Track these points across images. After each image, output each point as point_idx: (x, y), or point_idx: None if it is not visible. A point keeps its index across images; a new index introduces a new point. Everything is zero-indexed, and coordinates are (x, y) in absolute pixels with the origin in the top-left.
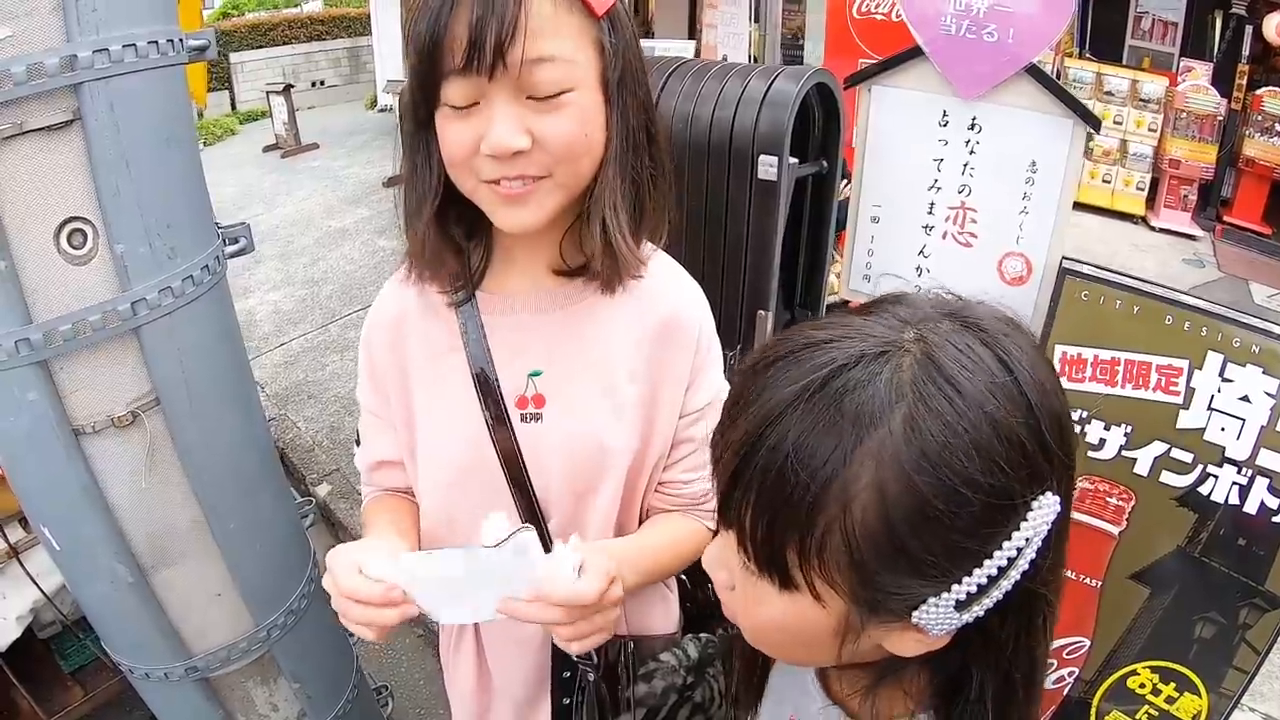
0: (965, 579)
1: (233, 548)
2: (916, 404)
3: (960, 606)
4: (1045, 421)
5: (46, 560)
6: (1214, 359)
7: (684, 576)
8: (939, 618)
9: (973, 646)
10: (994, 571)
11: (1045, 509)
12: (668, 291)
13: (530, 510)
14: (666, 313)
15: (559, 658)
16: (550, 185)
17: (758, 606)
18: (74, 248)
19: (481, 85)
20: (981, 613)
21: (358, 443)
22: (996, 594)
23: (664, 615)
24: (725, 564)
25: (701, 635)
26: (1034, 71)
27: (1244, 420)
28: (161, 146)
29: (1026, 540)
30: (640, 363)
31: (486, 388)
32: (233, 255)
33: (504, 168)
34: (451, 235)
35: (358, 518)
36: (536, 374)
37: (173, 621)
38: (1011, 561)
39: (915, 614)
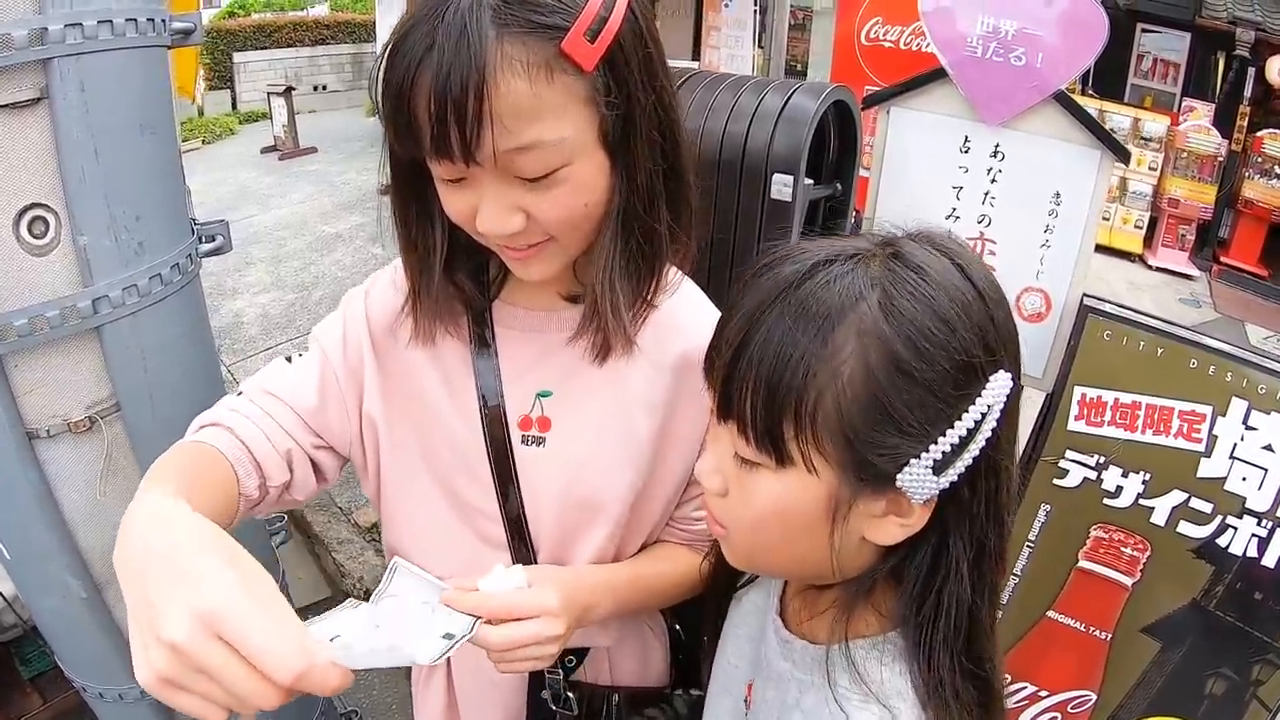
0: (940, 439)
1: None
2: (890, 285)
3: (937, 469)
4: (991, 305)
5: None
6: (1238, 405)
7: (678, 627)
8: (919, 480)
9: (949, 521)
10: (964, 433)
11: (1000, 382)
12: (691, 323)
13: (520, 538)
14: (689, 345)
15: (535, 706)
16: (555, 247)
17: (754, 496)
18: (34, 237)
19: (462, 166)
20: (955, 477)
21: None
22: (967, 458)
23: (653, 666)
24: (719, 469)
25: (693, 691)
26: (1062, 99)
27: (1266, 470)
28: (134, 133)
29: (989, 407)
30: (658, 394)
31: (490, 401)
32: (207, 254)
33: (502, 240)
34: (461, 285)
35: (336, 533)
36: (545, 394)
37: (128, 640)
38: (978, 425)
39: (900, 477)
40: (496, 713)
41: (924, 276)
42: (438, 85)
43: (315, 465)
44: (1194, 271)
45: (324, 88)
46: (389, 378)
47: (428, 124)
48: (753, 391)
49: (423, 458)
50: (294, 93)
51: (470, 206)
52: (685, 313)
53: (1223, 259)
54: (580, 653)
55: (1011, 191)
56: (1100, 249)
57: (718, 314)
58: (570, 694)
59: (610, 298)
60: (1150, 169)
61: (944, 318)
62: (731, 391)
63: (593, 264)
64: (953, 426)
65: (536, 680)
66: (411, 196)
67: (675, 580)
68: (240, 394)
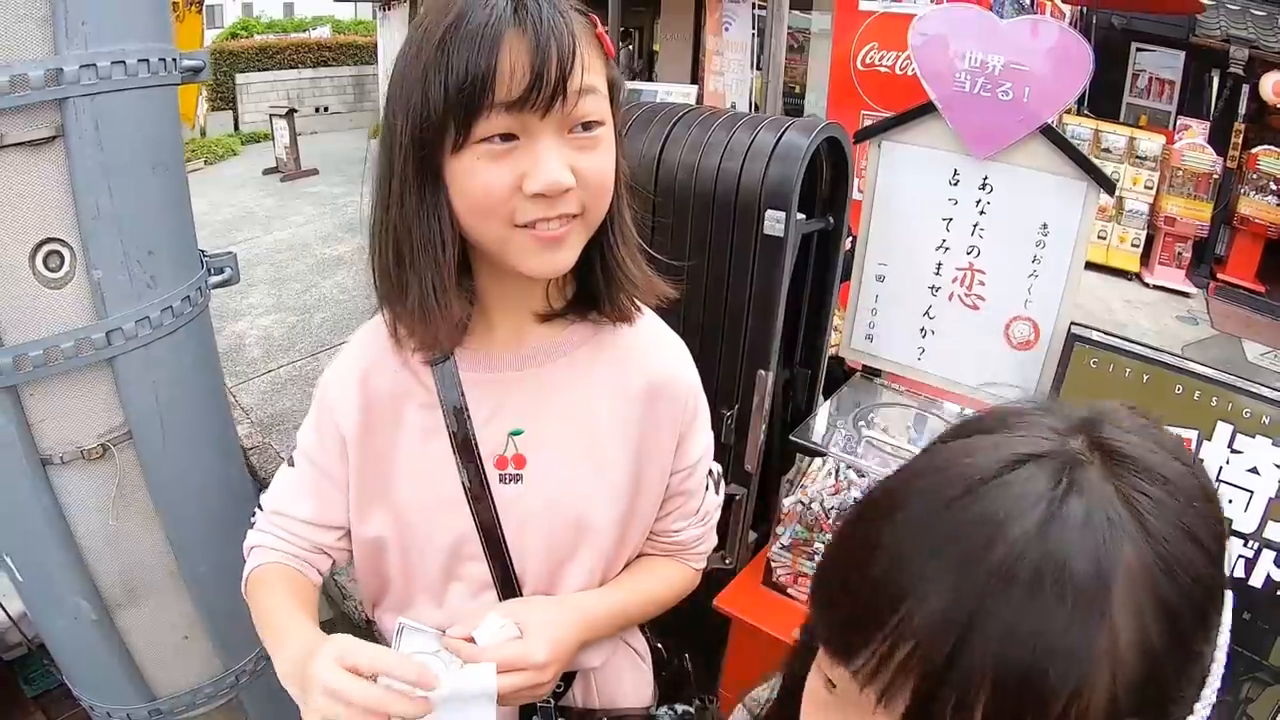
0: (1204, 692)
1: (202, 589)
2: (1142, 510)
3: None
4: (1216, 502)
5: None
6: (1223, 430)
7: (659, 645)
8: None
9: None
10: (1217, 681)
11: (1229, 600)
12: (655, 351)
13: (505, 577)
14: (654, 374)
15: None
16: (582, 225)
17: None
18: (50, 270)
19: (527, 121)
20: None
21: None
22: (1212, 697)
23: (637, 687)
24: None
25: (677, 706)
26: (1048, 132)
27: (1252, 493)
28: (146, 170)
29: (1227, 636)
30: (629, 425)
31: (465, 448)
32: (217, 286)
33: (546, 208)
34: (463, 291)
35: None
36: (517, 433)
37: (137, 662)
38: (1219, 660)
39: None
40: None
41: (1166, 483)
42: (541, 30)
43: (343, 549)
44: (1191, 289)
45: (326, 109)
46: (366, 452)
47: (528, 67)
48: (987, 702)
49: (408, 518)
50: (296, 114)
51: (515, 176)
52: (648, 342)
53: (1220, 276)
54: (569, 677)
55: (1000, 223)
56: (1098, 268)
57: (680, 341)
58: (561, 719)
59: (629, 250)
60: (1146, 187)
61: (1198, 540)
62: (938, 697)
63: (612, 228)
64: (1210, 674)
65: (526, 706)
66: (428, 193)
67: (662, 593)
68: (260, 509)
